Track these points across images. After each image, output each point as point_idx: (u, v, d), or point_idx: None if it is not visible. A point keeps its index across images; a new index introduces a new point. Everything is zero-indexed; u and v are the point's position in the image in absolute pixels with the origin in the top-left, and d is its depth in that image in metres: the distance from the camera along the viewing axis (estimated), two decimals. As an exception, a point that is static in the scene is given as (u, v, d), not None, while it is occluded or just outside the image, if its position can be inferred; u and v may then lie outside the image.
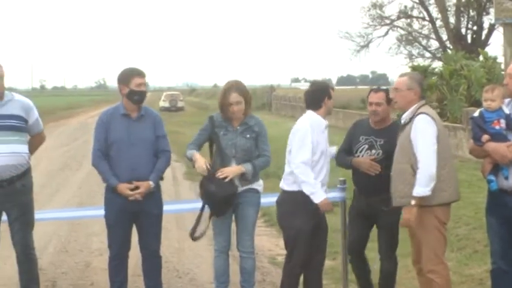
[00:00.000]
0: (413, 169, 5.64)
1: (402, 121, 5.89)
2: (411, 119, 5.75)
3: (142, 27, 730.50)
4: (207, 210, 6.41)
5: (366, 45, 44.44)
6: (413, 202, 5.59)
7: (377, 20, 43.46)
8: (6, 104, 6.21)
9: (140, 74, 6.30)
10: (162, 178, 6.38)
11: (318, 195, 5.95)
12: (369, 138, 6.41)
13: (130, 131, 6.22)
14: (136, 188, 6.14)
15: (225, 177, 6.18)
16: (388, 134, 6.30)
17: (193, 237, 6.50)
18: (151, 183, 6.19)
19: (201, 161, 6.26)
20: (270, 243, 9.19)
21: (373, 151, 6.35)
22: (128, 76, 6.27)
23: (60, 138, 27.98)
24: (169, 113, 46.63)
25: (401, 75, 6.05)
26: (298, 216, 6.02)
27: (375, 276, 6.61)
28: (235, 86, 6.34)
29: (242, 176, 6.26)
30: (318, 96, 6.19)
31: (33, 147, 6.51)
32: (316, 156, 6.02)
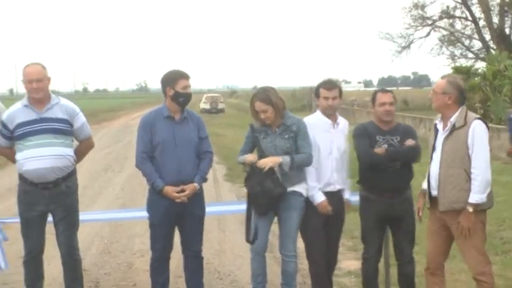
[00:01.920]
0: (468, 174, 5.63)
1: (445, 124, 5.87)
2: (461, 124, 5.74)
3: (183, 29, 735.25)
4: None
5: (407, 46, 44.15)
6: (471, 209, 5.60)
7: (419, 20, 43.15)
8: (52, 108, 6.30)
9: (186, 76, 6.33)
10: (205, 179, 6.41)
11: (316, 197, 6.29)
12: (385, 137, 6.42)
13: (175, 132, 6.25)
14: (182, 190, 6.18)
15: (267, 171, 6.18)
16: (400, 133, 6.41)
17: (250, 240, 6.48)
18: (196, 185, 6.23)
19: (251, 157, 6.31)
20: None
21: (394, 149, 6.36)
22: (174, 78, 6.30)
23: (103, 140, 28.25)
24: (210, 115, 46.81)
25: (442, 78, 6.02)
26: (308, 211, 6.33)
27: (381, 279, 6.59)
28: (258, 96, 6.34)
29: (280, 168, 6.23)
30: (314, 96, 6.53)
31: (80, 153, 6.59)
32: (315, 154, 6.28)
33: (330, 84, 6.45)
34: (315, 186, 6.32)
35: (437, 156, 5.85)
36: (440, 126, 5.93)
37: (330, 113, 6.40)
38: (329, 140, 6.38)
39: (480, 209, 5.69)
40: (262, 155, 6.30)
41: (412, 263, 6.56)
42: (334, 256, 6.66)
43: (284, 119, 6.35)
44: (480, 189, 5.59)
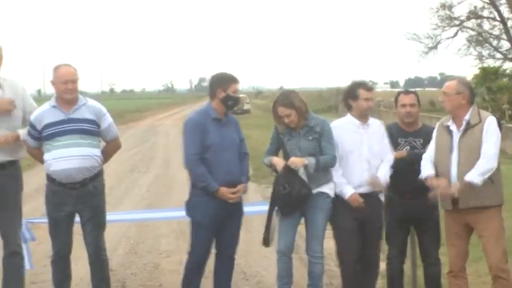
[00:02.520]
0: None
1: (457, 125, 5.90)
2: (476, 122, 5.80)
3: (209, 30, 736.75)
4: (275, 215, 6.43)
5: (435, 47, 43.87)
6: (458, 185, 5.69)
7: (446, 21, 42.87)
8: (79, 108, 6.35)
9: (237, 80, 6.39)
10: (249, 179, 6.50)
11: (345, 191, 6.26)
12: (408, 139, 6.43)
13: (222, 135, 6.28)
14: (237, 191, 6.27)
15: (295, 171, 6.20)
16: (424, 135, 6.40)
17: (267, 244, 6.50)
18: (245, 185, 6.32)
19: (279, 163, 6.31)
20: (337, 247, 9.11)
21: (416, 151, 6.36)
22: (227, 81, 6.32)
23: (129, 141, 28.40)
24: (236, 116, 46.91)
25: (451, 80, 6.07)
26: (337, 210, 6.32)
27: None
28: (280, 101, 6.37)
29: (306, 171, 6.24)
30: (345, 98, 6.52)
31: (107, 154, 6.63)
32: (341, 154, 6.29)
33: (369, 86, 6.45)
34: (342, 181, 6.30)
35: (455, 157, 5.84)
36: (453, 127, 5.94)
37: (366, 114, 6.38)
38: (358, 141, 6.33)
39: (499, 205, 5.83)
40: (286, 157, 6.31)
41: (438, 264, 6.53)
42: (374, 260, 6.54)
43: (307, 121, 6.35)
44: (479, 171, 5.65)
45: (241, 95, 61.04)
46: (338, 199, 6.35)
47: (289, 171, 6.20)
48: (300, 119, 6.31)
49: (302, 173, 6.24)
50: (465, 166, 5.75)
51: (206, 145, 6.20)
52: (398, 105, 6.49)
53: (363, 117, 6.39)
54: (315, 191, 6.26)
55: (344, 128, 6.39)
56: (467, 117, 5.85)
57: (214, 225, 6.31)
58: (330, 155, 6.26)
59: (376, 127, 6.46)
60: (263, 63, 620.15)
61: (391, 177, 6.35)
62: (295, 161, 6.20)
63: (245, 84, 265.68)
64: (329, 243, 9.22)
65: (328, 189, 6.34)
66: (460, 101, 5.87)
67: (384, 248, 6.75)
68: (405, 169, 6.30)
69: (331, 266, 8.30)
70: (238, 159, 6.34)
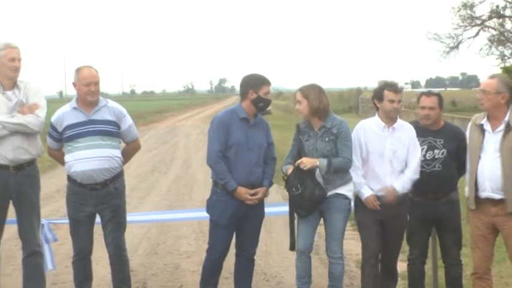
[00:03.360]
0: None
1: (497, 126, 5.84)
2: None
3: (230, 32, 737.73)
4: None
5: (456, 47, 43.67)
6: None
7: (467, 20, 42.66)
8: (100, 110, 6.38)
9: (269, 82, 6.42)
10: (271, 184, 6.49)
11: (362, 191, 6.27)
12: (426, 139, 6.37)
13: (248, 135, 6.29)
14: (255, 193, 6.26)
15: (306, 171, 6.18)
16: (445, 134, 6.35)
17: (293, 248, 6.48)
18: (266, 188, 6.32)
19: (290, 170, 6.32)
20: (357, 247, 9.06)
21: (436, 151, 6.32)
22: (259, 83, 6.35)
23: (150, 142, 28.49)
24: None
25: (491, 77, 5.95)
26: (359, 211, 6.37)
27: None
28: (302, 87, 6.41)
29: (320, 172, 6.23)
30: (372, 98, 6.49)
31: (127, 155, 6.65)
32: (364, 155, 6.29)
33: (397, 87, 6.37)
34: (361, 182, 6.28)
35: (488, 156, 5.79)
36: (488, 126, 5.87)
37: (393, 116, 6.31)
38: (382, 144, 6.26)
39: None
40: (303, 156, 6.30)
41: (459, 265, 6.49)
42: (394, 261, 6.51)
43: (325, 122, 6.33)
44: None
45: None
46: (358, 197, 6.35)
47: (302, 172, 6.19)
48: (309, 113, 6.29)
49: (318, 174, 6.24)
50: (509, 168, 5.71)
51: (229, 144, 6.24)
52: (419, 106, 6.44)
53: (389, 119, 6.30)
54: (331, 192, 6.25)
55: (369, 129, 6.35)
56: (506, 118, 5.80)
57: (232, 225, 6.32)
58: (344, 158, 6.22)
59: (404, 131, 6.34)
60: (284, 64, 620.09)
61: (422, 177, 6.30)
62: (305, 162, 6.19)
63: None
64: (350, 244, 9.24)
65: (345, 190, 6.30)
66: (499, 101, 5.79)
67: (405, 248, 6.72)
68: (427, 170, 6.27)
69: (352, 266, 8.28)
70: (262, 162, 6.35)
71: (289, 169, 6.30)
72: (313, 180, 6.19)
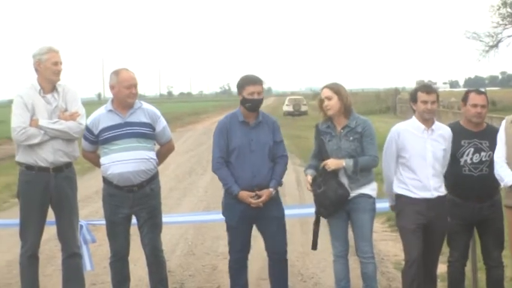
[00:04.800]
0: None
1: None
2: None
3: (267, 32, 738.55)
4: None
5: (495, 45, 43.18)
6: None
7: (507, 18, 42.14)
8: (135, 112, 6.42)
9: (254, 81, 6.36)
10: (281, 183, 6.42)
11: (389, 200, 6.40)
12: (472, 141, 6.27)
13: (250, 137, 6.29)
14: (258, 195, 6.22)
15: (330, 173, 6.17)
16: (489, 136, 6.24)
17: (315, 248, 6.50)
18: (272, 190, 6.26)
19: (307, 181, 6.32)
20: (395, 249, 9.03)
21: (482, 153, 6.23)
22: (242, 84, 6.37)
23: (187, 143, 28.65)
24: (293, 118, 46.87)
25: None
26: (401, 215, 6.26)
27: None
28: (327, 84, 6.39)
29: (345, 172, 6.20)
30: (409, 100, 6.42)
31: (162, 156, 6.68)
32: (403, 159, 6.19)
33: (429, 88, 6.31)
34: (389, 191, 6.35)
35: None
36: None
37: (428, 118, 6.21)
38: (423, 146, 6.17)
39: None
40: (326, 158, 6.26)
41: (501, 267, 6.39)
42: (434, 264, 6.43)
43: (349, 121, 6.30)
44: None
45: (298, 97, 61.31)
46: (402, 200, 6.24)
47: (327, 172, 6.18)
48: (340, 109, 6.25)
49: (342, 175, 6.21)
50: None
51: (231, 148, 6.30)
52: (468, 104, 6.29)
53: (425, 120, 6.20)
54: (356, 192, 6.22)
55: (407, 132, 6.24)
56: None
57: (244, 226, 6.36)
58: (370, 156, 6.22)
59: (442, 133, 6.25)
60: (320, 65, 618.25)
61: (456, 181, 6.25)
62: (330, 164, 6.17)
63: (302, 85, 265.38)
64: (387, 246, 9.19)
65: (369, 190, 6.28)
66: None
67: (444, 250, 6.66)
68: (475, 174, 6.21)
69: (390, 268, 8.23)
70: (268, 162, 6.32)
71: (309, 175, 6.31)
72: (337, 180, 6.18)
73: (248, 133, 6.31)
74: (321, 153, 6.34)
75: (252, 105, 6.32)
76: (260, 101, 6.35)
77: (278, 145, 6.40)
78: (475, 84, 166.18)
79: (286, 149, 6.57)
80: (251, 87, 6.31)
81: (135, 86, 6.36)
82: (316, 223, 6.39)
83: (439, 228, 6.24)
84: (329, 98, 6.27)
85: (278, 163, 6.37)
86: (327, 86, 6.34)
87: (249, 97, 6.30)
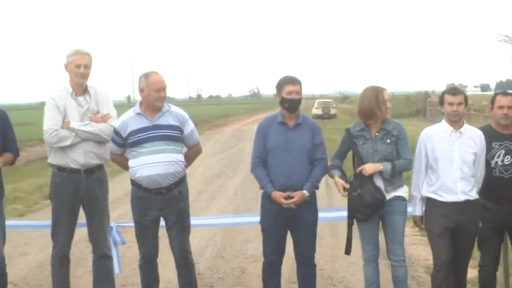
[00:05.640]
0: None
1: None
2: None
3: (296, 35, 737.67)
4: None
5: (527, 48, 42.67)
6: None
7: (540, 21, 41.65)
8: (163, 115, 6.44)
9: (293, 81, 6.35)
10: (317, 187, 6.39)
11: (416, 209, 6.33)
12: (503, 143, 6.23)
13: (288, 138, 6.28)
14: (290, 196, 6.20)
15: (367, 177, 6.15)
16: None
17: (348, 252, 6.48)
18: (305, 192, 6.24)
19: (339, 185, 6.27)
20: (426, 253, 8.96)
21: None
22: (281, 84, 6.36)
23: (216, 145, 28.70)
24: (322, 121, 46.72)
25: None
26: (429, 219, 6.23)
27: None
28: (384, 87, 6.38)
29: (381, 175, 6.18)
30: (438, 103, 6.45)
31: (189, 159, 6.69)
32: (431, 162, 6.16)
33: (455, 90, 6.28)
34: (415, 196, 6.31)
35: None
36: None
37: (455, 120, 6.18)
38: (450, 149, 6.14)
39: None
40: (359, 161, 6.25)
41: None
42: (464, 268, 6.37)
43: (384, 124, 6.28)
44: None
45: (327, 100, 61.09)
46: (430, 203, 6.23)
47: (363, 176, 6.16)
48: (384, 114, 6.26)
49: (377, 178, 6.19)
50: None
51: (267, 148, 6.31)
52: (494, 107, 6.29)
53: (453, 122, 6.19)
54: (391, 195, 6.21)
55: (435, 135, 6.23)
56: None
57: (277, 228, 6.34)
58: (406, 160, 6.22)
59: (473, 135, 6.20)
60: (350, 68, 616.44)
61: (486, 183, 6.19)
62: (368, 169, 6.15)
63: (331, 89, 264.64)
64: (417, 250, 9.13)
65: (402, 192, 6.29)
66: None
67: (475, 254, 6.59)
68: (506, 176, 6.17)
69: (420, 272, 8.18)
70: (305, 164, 6.29)
71: (336, 176, 6.28)
72: (373, 184, 6.16)
73: (286, 134, 6.31)
74: (346, 155, 6.34)
75: (290, 105, 6.32)
76: (298, 101, 6.36)
77: (317, 148, 6.37)
78: (506, 88, 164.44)
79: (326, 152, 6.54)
80: (290, 87, 6.31)
81: (164, 89, 6.39)
82: (350, 228, 6.36)
83: (468, 232, 6.19)
84: (389, 101, 6.34)
85: (316, 166, 6.34)
86: (385, 89, 6.36)
87: (287, 96, 6.30)
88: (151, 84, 6.35)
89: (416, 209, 6.32)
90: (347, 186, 6.22)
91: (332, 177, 6.38)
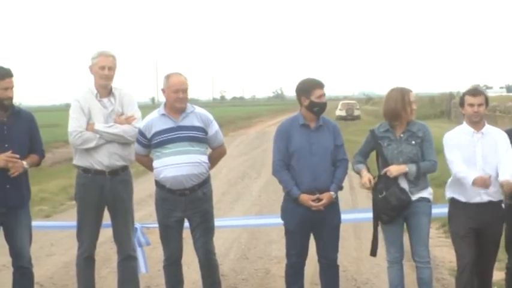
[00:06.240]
0: None
1: None
2: None
3: (319, 36, 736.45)
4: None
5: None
6: None
7: None
8: (188, 116, 6.46)
9: (321, 85, 6.35)
10: (341, 188, 6.39)
11: (469, 177, 5.97)
12: None
13: (311, 141, 6.27)
14: (318, 199, 6.20)
15: (392, 178, 6.13)
16: None
17: (374, 254, 6.48)
18: (333, 193, 6.23)
19: (365, 177, 6.25)
20: (450, 255, 8.88)
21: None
22: (309, 87, 6.33)
23: (240, 147, 28.73)
24: (346, 122, 46.60)
25: None
26: (452, 220, 6.22)
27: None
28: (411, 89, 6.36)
29: (406, 177, 6.16)
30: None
31: (214, 160, 6.72)
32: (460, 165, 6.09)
33: (475, 91, 6.26)
34: (462, 169, 6.06)
35: None
36: None
37: (476, 121, 6.16)
38: (472, 150, 6.12)
39: None
40: (383, 162, 6.23)
41: None
42: (488, 272, 6.34)
43: (409, 125, 6.27)
44: None
45: (351, 101, 60.86)
46: (453, 204, 6.22)
47: (388, 178, 6.15)
48: (409, 116, 6.25)
49: (402, 179, 6.18)
50: None
51: (291, 151, 6.27)
52: None
53: (474, 124, 6.17)
54: (416, 196, 6.19)
55: (457, 137, 6.21)
56: None
57: (302, 230, 6.32)
58: (431, 161, 6.20)
59: (495, 136, 6.18)
60: (373, 69, 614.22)
61: None
62: (392, 170, 6.14)
63: (355, 90, 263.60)
64: (442, 252, 9.07)
65: (427, 193, 6.27)
66: None
67: (500, 257, 6.55)
68: None
69: (445, 274, 8.14)
70: (329, 166, 6.28)
71: (363, 170, 6.26)
72: (398, 186, 6.15)
73: (309, 136, 6.30)
74: (369, 155, 6.32)
75: (320, 109, 6.31)
76: (326, 105, 6.39)
77: (339, 149, 6.36)
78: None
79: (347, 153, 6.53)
80: (319, 91, 6.31)
81: (183, 90, 6.39)
82: (376, 229, 6.35)
83: (491, 233, 6.17)
84: (415, 103, 6.33)
85: (338, 167, 6.33)
86: (411, 90, 6.34)
87: (318, 100, 6.28)
88: (171, 86, 6.40)
89: (469, 176, 6.02)
90: (373, 180, 6.20)
91: (358, 171, 6.36)
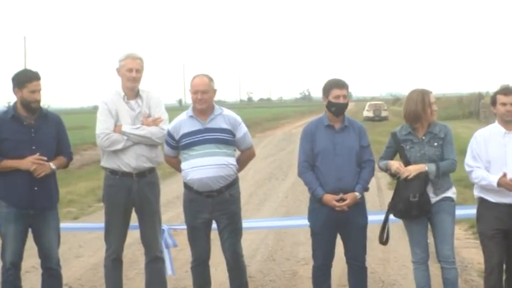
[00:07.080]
0: None
1: None
2: None
3: (346, 37, 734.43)
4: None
5: None
6: None
7: None
8: (215, 118, 6.49)
9: (340, 85, 6.33)
10: (367, 189, 6.36)
11: (492, 179, 5.98)
12: None
13: (335, 141, 6.26)
14: (342, 199, 6.18)
15: (410, 178, 6.10)
16: None
17: (383, 242, 6.49)
18: (357, 194, 6.21)
19: (395, 164, 6.23)
20: (479, 256, 8.79)
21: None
22: (328, 87, 6.34)
23: (267, 148, 28.73)
24: (373, 123, 46.42)
25: None
26: (481, 220, 6.19)
27: None
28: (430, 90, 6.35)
29: (427, 177, 6.12)
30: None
31: (242, 162, 6.73)
32: (484, 165, 6.09)
33: (508, 90, 6.19)
34: (479, 176, 6.09)
35: None
36: None
37: (508, 120, 6.09)
38: (503, 150, 6.07)
39: None
40: (407, 165, 6.19)
41: None
42: None
43: (430, 127, 6.24)
44: None
45: (378, 102, 60.61)
46: (482, 205, 6.18)
47: (420, 179, 6.10)
48: (430, 117, 6.22)
49: (425, 182, 6.14)
50: None
51: (315, 152, 6.28)
52: None
53: (506, 124, 6.12)
54: (440, 196, 6.17)
55: (487, 137, 6.16)
56: None
57: (328, 231, 6.31)
58: (450, 160, 6.17)
59: None
60: (400, 70, 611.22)
61: None
62: (412, 170, 6.10)
63: (382, 91, 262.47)
64: (470, 253, 9.00)
65: (451, 193, 6.25)
66: None
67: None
68: None
69: (474, 276, 8.07)
70: (354, 167, 6.26)
71: (391, 164, 6.23)
72: (419, 187, 6.12)
73: (333, 137, 6.29)
74: (402, 161, 6.28)
75: (337, 109, 6.30)
76: (345, 105, 6.34)
77: (365, 150, 6.34)
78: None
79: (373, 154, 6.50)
80: (337, 91, 6.29)
81: (202, 92, 6.40)
82: (387, 216, 6.37)
83: None
84: (435, 104, 6.30)
85: (364, 168, 6.31)
86: (431, 91, 6.32)
87: (334, 100, 6.27)
88: (191, 87, 6.47)
89: (492, 178, 6.03)
90: (402, 166, 6.16)
91: (385, 168, 6.32)
